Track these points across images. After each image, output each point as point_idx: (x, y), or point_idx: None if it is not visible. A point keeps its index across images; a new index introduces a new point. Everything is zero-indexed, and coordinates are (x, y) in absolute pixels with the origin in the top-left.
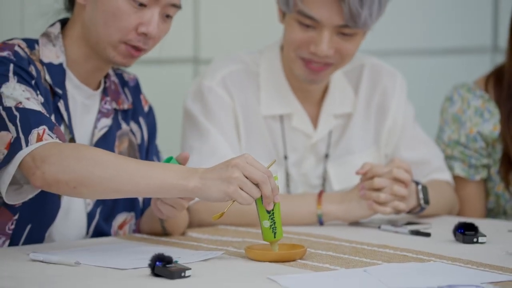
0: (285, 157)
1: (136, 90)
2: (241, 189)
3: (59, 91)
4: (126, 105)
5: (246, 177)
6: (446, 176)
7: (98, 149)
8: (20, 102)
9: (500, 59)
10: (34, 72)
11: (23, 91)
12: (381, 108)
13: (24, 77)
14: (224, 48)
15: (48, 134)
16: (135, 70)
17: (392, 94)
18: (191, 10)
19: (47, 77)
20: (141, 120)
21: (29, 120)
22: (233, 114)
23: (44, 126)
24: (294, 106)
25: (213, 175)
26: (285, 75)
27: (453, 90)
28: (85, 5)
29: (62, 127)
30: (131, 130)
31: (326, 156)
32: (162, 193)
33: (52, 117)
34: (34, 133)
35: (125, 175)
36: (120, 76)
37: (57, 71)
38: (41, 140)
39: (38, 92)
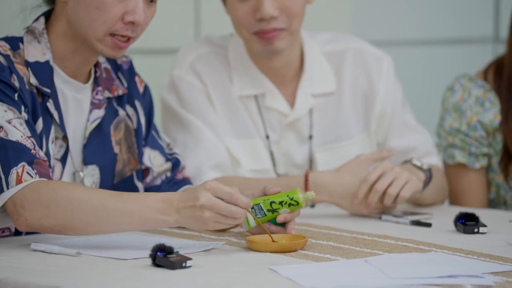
0: (267, 137)
1: (130, 72)
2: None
3: (47, 91)
4: (120, 91)
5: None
6: (434, 159)
7: (77, 187)
8: (1, 127)
9: (502, 49)
10: (16, 82)
11: (5, 111)
12: (368, 93)
13: (6, 93)
14: None
15: (27, 172)
16: (135, 61)
17: (378, 79)
18: (193, 4)
19: (32, 80)
20: (137, 103)
21: (8, 157)
22: (208, 99)
23: (23, 163)
24: (266, 86)
25: (187, 213)
26: (251, 58)
27: (454, 80)
28: (67, 1)
29: (52, 127)
30: (127, 115)
31: (310, 137)
32: (145, 229)
33: (40, 121)
34: (14, 173)
35: (106, 217)
36: (112, 61)
37: (44, 70)
38: (21, 182)
39: (22, 108)
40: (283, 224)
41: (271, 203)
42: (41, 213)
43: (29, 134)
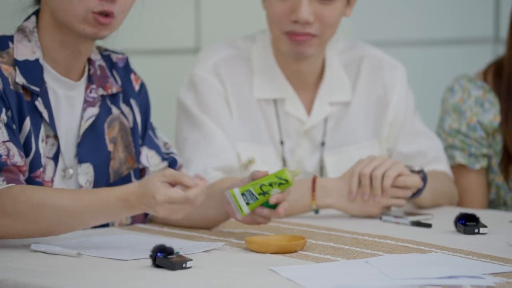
0: (281, 143)
1: (126, 70)
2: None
3: (36, 89)
4: (114, 89)
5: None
6: (443, 166)
7: (37, 191)
8: None
9: (502, 49)
10: (0, 84)
11: None
12: (381, 101)
13: None
14: None
15: None
16: (135, 61)
17: (393, 87)
18: (193, 4)
19: (19, 79)
20: (133, 101)
21: None
22: (226, 102)
23: None
24: (287, 91)
25: (151, 212)
26: (277, 61)
27: (454, 81)
28: None
29: (42, 126)
30: (123, 113)
31: (323, 144)
32: (112, 221)
33: (27, 120)
34: None
35: (69, 217)
36: (107, 58)
37: (33, 68)
38: None
39: (4, 111)
40: (276, 206)
41: (261, 186)
42: (4, 222)
43: (6, 139)
